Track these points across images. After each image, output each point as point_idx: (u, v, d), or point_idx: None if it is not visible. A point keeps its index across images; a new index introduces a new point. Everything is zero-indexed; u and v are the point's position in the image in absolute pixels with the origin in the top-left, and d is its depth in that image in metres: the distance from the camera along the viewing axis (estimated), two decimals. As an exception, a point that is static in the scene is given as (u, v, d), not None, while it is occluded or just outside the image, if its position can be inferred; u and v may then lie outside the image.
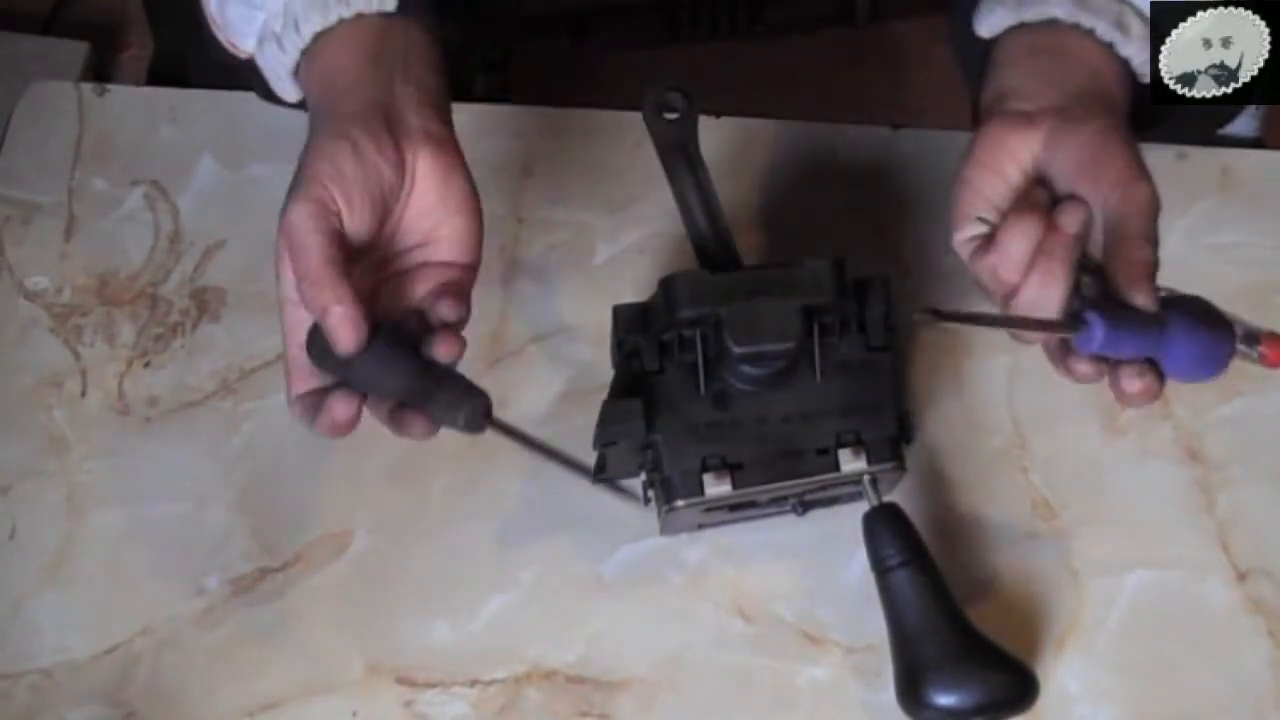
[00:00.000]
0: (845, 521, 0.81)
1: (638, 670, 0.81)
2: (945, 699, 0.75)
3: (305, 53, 0.76)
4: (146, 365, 0.90)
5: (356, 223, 0.71)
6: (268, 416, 0.88)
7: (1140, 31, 0.77)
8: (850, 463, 0.78)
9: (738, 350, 0.76)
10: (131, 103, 1.00)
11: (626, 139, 0.94)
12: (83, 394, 0.89)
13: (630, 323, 0.79)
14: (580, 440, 0.81)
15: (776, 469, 0.78)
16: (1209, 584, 0.84)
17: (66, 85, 1.00)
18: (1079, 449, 0.87)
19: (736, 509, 0.81)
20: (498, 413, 0.72)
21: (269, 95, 0.81)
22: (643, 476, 0.80)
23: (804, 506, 0.82)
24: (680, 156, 0.80)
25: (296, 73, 0.77)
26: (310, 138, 0.74)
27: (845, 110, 0.99)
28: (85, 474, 0.86)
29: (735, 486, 0.77)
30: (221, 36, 0.80)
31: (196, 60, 1.04)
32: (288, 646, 0.81)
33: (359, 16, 0.75)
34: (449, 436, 0.87)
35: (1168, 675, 0.81)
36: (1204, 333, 0.72)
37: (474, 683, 0.81)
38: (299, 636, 0.82)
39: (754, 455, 0.78)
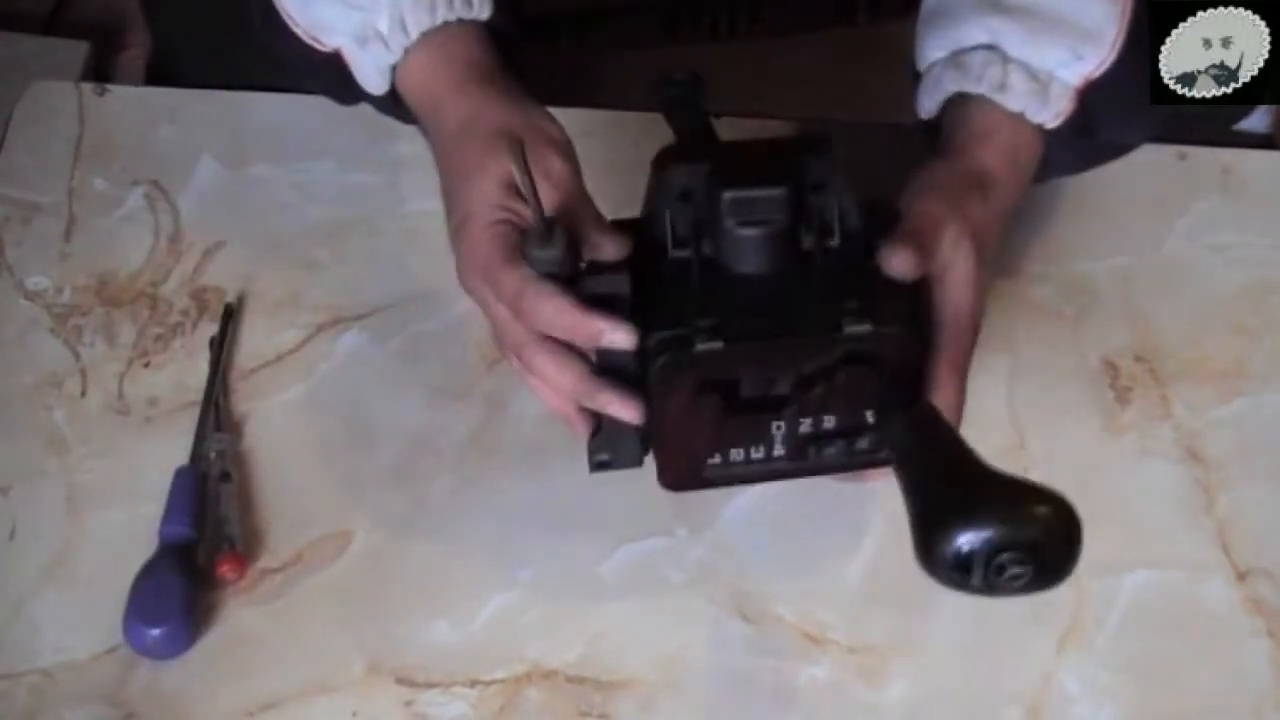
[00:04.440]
0: (845, 521, 0.81)
1: (638, 670, 0.81)
2: (964, 535, 0.62)
3: (408, 51, 0.80)
4: (146, 365, 0.90)
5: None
6: (268, 416, 0.88)
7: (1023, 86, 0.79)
8: (853, 326, 0.70)
9: (726, 196, 0.72)
10: (131, 103, 1.00)
11: (626, 139, 0.94)
12: (83, 394, 0.89)
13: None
14: (579, 440, 0.81)
15: (773, 334, 0.71)
16: (1209, 584, 0.84)
17: (66, 85, 1.00)
18: (1079, 449, 0.87)
19: (737, 414, 0.73)
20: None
21: (335, 90, 0.84)
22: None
23: (816, 444, 0.74)
24: (686, 109, 0.79)
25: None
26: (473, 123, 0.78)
27: (845, 110, 0.99)
28: (85, 474, 0.86)
29: (727, 343, 0.70)
30: (299, 31, 0.82)
31: (192, 58, 1.04)
32: (288, 646, 0.81)
33: (460, 21, 0.80)
34: (448, 436, 0.87)
35: (1168, 675, 0.81)
36: None
37: (474, 683, 0.81)
38: (299, 636, 0.82)
39: (750, 323, 0.71)
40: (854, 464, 0.75)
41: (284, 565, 0.83)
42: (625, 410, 0.73)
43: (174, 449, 0.86)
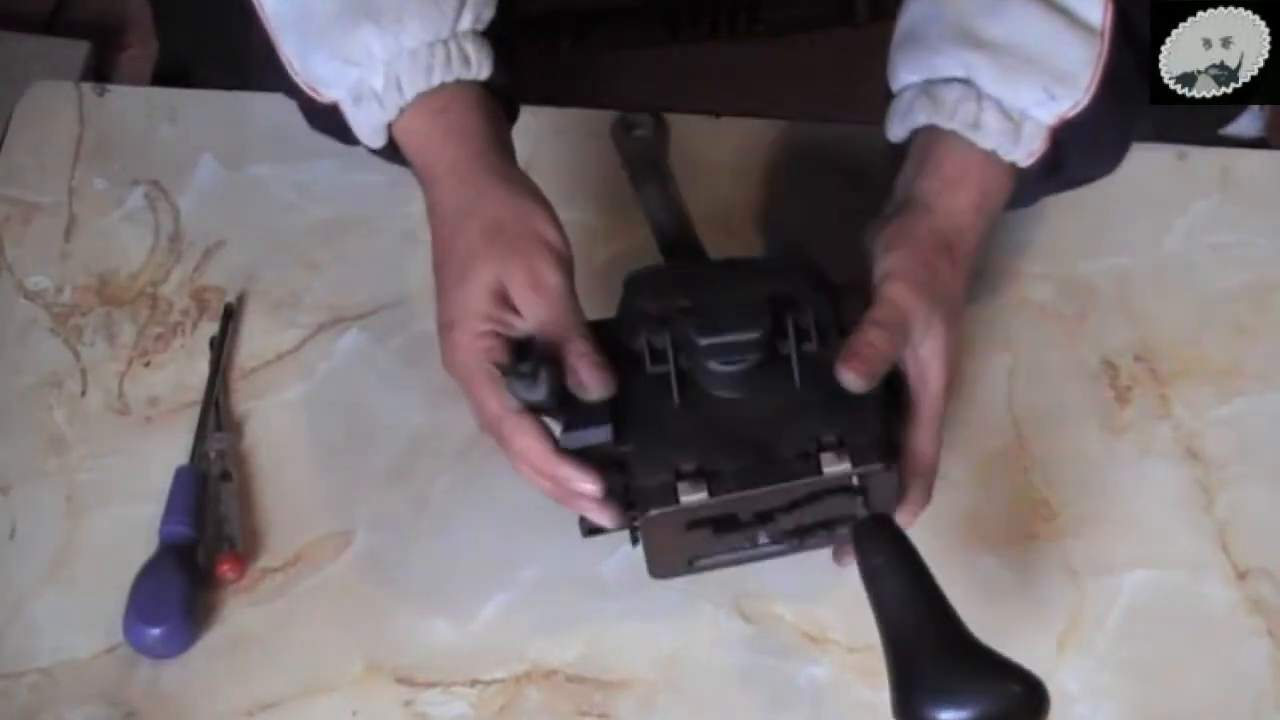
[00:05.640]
0: (845, 521, 0.81)
1: (638, 670, 0.81)
2: (946, 713, 0.70)
3: (404, 110, 0.78)
4: (146, 365, 0.90)
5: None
6: (268, 416, 0.88)
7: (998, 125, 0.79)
8: (832, 465, 0.73)
9: (702, 343, 0.74)
10: (131, 103, 1.00)
11: (626, 139, 0.94)
12: (83, 394, 0.89)
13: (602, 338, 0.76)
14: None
15: (755, 476, 0.74)
16: (1209, 584, 0.84)
17: (66, 85, 1.00)
18: (1079, 449, 0.87)
19: (725, 532, 0.76)
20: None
21: (335, 134, 0.83)
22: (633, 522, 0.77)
23: (800, 535, 0.78)
24: (649, 170, 0.79)
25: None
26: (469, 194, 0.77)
27: (845, 110, 0.99)
28: (85, 474, 0.86)
29: (712, 494, 0.73)
30: (299, 81, 0.81)
31: (200, 65, 1.04)
32: (288, 646, 0.81)
33: (459, 82, 0.78)
34: (448, 436, 0.87)
35: (1168, 675, 0.81)
36: None
37: (474, 683, 0.81)
38: (299, 636, 0.82)
39: (732, 464, 0.74)
40: (835, 543, 0.79)
41: (284, 565, 0.83)
42: (605, 518, 0.75)
43: (174, 449, 0.86)
